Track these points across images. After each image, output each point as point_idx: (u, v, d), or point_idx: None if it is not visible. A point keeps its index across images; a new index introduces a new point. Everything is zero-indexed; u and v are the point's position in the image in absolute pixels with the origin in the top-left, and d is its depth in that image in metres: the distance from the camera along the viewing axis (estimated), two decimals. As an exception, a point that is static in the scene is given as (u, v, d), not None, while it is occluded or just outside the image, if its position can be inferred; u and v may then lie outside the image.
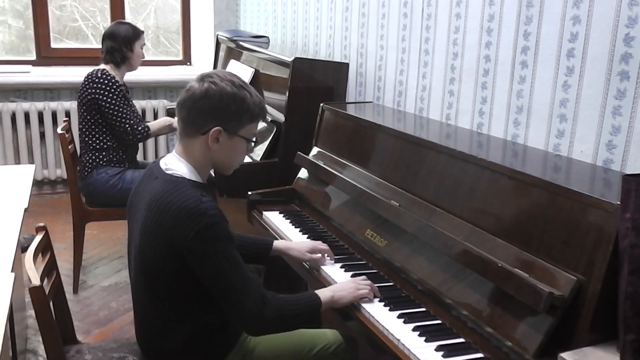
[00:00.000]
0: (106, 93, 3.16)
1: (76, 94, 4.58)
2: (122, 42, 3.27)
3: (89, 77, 3.20)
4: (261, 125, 3.12)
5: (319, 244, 2.01)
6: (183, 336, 1.64)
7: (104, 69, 3.23)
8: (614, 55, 1.75)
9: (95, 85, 3.16)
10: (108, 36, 3.30)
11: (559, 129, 1.96)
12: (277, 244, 2.01)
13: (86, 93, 3.18)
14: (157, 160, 1.70)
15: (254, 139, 1.70)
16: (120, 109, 3.18)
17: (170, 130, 3.56)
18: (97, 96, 3.15)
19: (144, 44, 3.41)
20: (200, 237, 1.50)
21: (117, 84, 3.20)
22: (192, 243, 1.51)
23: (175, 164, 1.64)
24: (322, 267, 1.96)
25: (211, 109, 1.58)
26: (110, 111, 3.17)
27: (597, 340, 1.35)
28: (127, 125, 3.20)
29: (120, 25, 3.34)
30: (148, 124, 3.35)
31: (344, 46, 3.29)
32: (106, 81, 3.17)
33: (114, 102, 3.17)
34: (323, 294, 1.70)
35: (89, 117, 3.20)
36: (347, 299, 1.72)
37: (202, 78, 1.60)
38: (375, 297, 1.75)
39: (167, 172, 1.62)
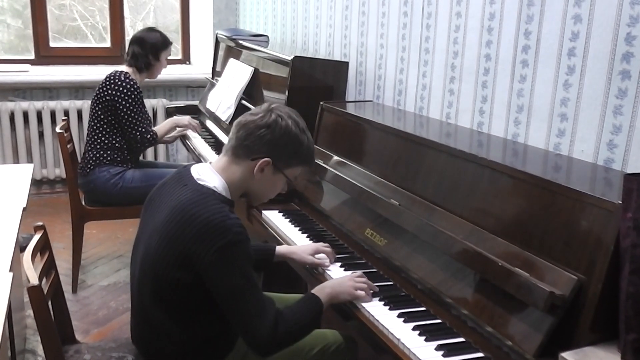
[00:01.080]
0: (126, 97, 3.17)
1: (75, 94, 4.62)
2: (149, 50, 3.30)
3: (112, 77, 3.21)
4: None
5: (322, 246, 1.99)
6: (182, 340, 1.64)
7: (127, 73, 3.24)
8: (615, 54, 1.75)
9: (116, 87, 3.17)
10: (136, 41, 3.32)
11: (560, 128, 1.95)
12: (280, 249, 2.00)
13: (106, 93, 3.18)
14: (188, 167, 1.69)
15: (293, 184, 1.76)
16: (136, 115, 3.20)
17: (178, 135, 3.57)
18: (116, 98, 3.16)
19: (170, 55, 3.44)
20: (222, 254, 1.49)
21: (138, 90, 3.22)
22: (213, 258, 1.49)
23: (208, 175, 1.64)
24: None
25: (270, 141, 1.62)
26: (126, 115, 3.18)
27: (597, 339, 1.34)
28: (138, 133, 3.22)
29: (151, 33, 3.37)
30: (156, 128, 3.37)
31: (343, 45, 3.29)
32: (128, 85, 3.18)
33: (132, 107, 3.18)
34: (322, 292, 1.70)
35: (102, 117, 3.21)
36: (344, 295, 1.72)
37: (271, 110, 1.66)
38: (372, 291, 1.75)
39: (199, 181, 1.61)
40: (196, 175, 1.63)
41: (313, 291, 1.72)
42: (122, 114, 3.18)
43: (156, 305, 1.63)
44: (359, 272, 1.82)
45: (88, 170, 3.20)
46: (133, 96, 3.18)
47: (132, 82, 3.20)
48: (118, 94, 3.16)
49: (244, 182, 1.67)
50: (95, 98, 3.24)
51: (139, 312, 1.72)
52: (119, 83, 3.18)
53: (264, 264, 1.98)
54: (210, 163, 1.70)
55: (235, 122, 1.69)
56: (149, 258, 1.60)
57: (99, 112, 3.22)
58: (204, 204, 1.54)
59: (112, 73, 3.24)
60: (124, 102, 3.17)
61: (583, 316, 1.34)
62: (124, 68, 3.31)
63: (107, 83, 3.21)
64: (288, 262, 2.03)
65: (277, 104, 1.72)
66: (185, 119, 3.65)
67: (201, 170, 1.65)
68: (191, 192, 1.58)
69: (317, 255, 1.97)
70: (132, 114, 3.19)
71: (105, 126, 3.22)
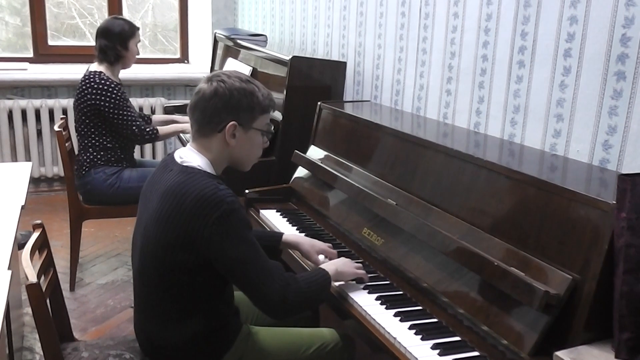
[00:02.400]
0: (107, 99, 3.09)
1: (73, 92, 4.58)
2: (116, 41, 3.17)
3: (87, 81, 3.12)
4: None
5: (328, 249, 1.99)
6: (184, 331, 1.64)
7: (101, 73, 3.14)
8: (611, 55, 1.76)
9: (94, 92, 3.08)
10: (101, 33, 3.19)
11: (556, 128, 1.96)
12: (287, 237, 2.00)
13: (85, 98, 3.11)
14: (171, 153, 1.72)
15: (270, 131, 1.75)
16: (124, 113, 3.13)
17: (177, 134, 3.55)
18: (97, 102, 3.09)
19: (139, 41, 3.31)
20: (220, 224, 1.51)
21: (117, 88, 3.13)
22: (211, 231, 1.51)
23: (190, 156, 1.66)
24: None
25: (224, 106, 1.63)
26: (115, 117, 3.12)
27: (592, 338, 1.35)
28: (135, 127, 3.16)
29: (114, 22, 3.23)
30: (158, 127, 3.31)
31: (341, 45, 3.29)
32: (105, 86, 3.09)
33: (116, 107, 3.11)
34: (328, 267, 1.75)
35: (87, 121, 3.16)
36: (347, 274, 1.80)
37: (210, 79, 1.67)
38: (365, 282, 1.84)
39: (183, 164, 1.64)
40: (179, 159, 1.66)
41: (320, 267, 1.77)
42: (110, 116, 3.11)
43: (161, 293, 1.63)
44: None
45: (84, 172, 3.17)
46: (113, 96, 3.10)
47: (108, 82, 3.10)
48: (98, 97, 3.08)
49: (223, 155, 1.68)
50: (77, 102, 3.16)
51: (141, 304, 1.72)
52: (96, 86, 3.08)
53: (270, 251, 1.98)
54: (189, 144, 1.71)
55: (187, 109, 1.71)
56: (149, 247, 1.61)
57: (83, 117, 3.15)
58: (192, 181, 1.56)
59: (86, 75, 3.14)
60: (107, 105, 3.09)
61: (578, 315, 1.35)
62: (95, 66, 3.20)
63: (85, 87, 3.11)
64: (287, 252, 2.05)
65: (215, 72, 1.72)
66: (189, 127, 3.57)
67: (183, 153, 1.68)
68: (177, 174, 1.60)
69: (320, 257, 1.96)
70: (120, 112, 3.12)
71: (92, 129, 3.16)
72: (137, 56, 3.33)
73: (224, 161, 1.71)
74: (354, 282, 1.84)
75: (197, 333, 1.65)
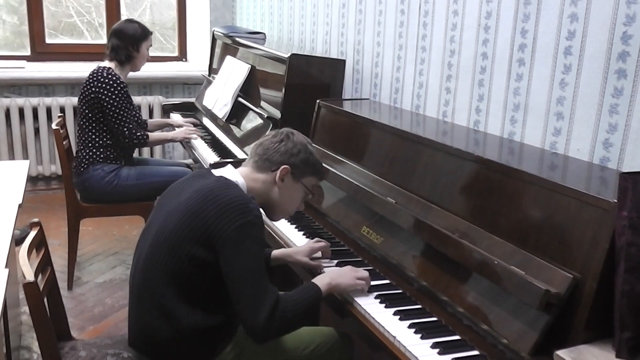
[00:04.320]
0: (110, 93, 3.12)
1: (71, 90, 4.60)
2: (128, 42, 3.24)
3: (94, 74, 3.17)
4: (257, 121, 3.11)
5: (315, 244, 2.00)
6: (183, 324, 1.63)
7: (109, 68, 3.19)
8: (612, 53, 1.75)
9: (99, 84, 3.12)
10: (115, 33, 3.26)
11: (556, 126, 1.96)
12: (275, 253, 2.02)
13: (90, 91, 3.14)
14: (208, 167, 1.83)
15: (312, 193, 1.88)
16: (122, 111, 3.16)
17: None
18: (100, 95, 3.12)
19: (151, 45, 3.37)
20: (241, 231, 1.57)
21: (122, 85, 3.17)
22: (231, 235, 1.57)
23: (231, 174, 1.76)
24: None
25: (286, 151, 1.79)
26: (112, 112, 3.14)
27: (593, 338, 1.35)
28: (126, 129, 3.18)
29: (129, 24, 3.30)
30: (149, 134, 3.33)
31: (340, 43, 3.28)
32: (111, 81, 3.13)
33: (116, 103, 3.14)
34: (321, 281, 1.74)
35: (90, 115, 3.18)
36: (345, 285, 1.75)
37: (282, 131, 1.85)
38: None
39: (221, 176, 1.73)
40: (218, 174, 1.75)
41: (313, 280, 1.75)
42: (107, 111, 3.14)
43: (166, 285, 1.63)
44: (363, 269, 1.83)
45: (82, 169, 3.18)
46: (117, 92, 3.13)
47: (115, 78, 3.15)
48: (102, 90, 3.12)
49: (264, 192, 1.79)
50: (82, 96, 3.20)
51: (143, 299, 1.70)
52: (102, 80, 3.13)
53: None
54: (236, 169, 1.81)
55: (253, 145, 1.86)
56: (164, 235, 1.64)
57: (87, 111, 3.18)
58: (228, 189, 1.65)
59: (95, 70, 3.20)
60: (108, 99, 3.12)
61: (578, 314, 1.35)
62: (106, 63, 3.25)
63: (91, 80, 3.16)
64: (287, 263, 2.04)
65: (285, 128, 1.88)
66: (180, 135, 3.59)
67: (223, 170, 1.78)
68: (215, 182, 1.69)
69: (314, 256, 1.97)
70: (118, 110, 3.14)
71: (94, 124, 3.18)
72: (147, 60, 3.38)
73: (260, 198, 1.78)
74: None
75: (196, 328, 1.64)
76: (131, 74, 3.42)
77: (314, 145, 1.88)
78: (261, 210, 1.70)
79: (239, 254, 1.57)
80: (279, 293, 1.63)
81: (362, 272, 1.78)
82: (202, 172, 1.80)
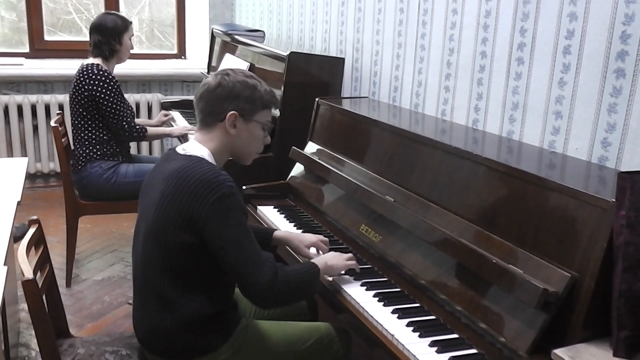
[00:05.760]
0: (104, 89, 3.11)
1: (69, 87, 4.58)
2: (110, 35, 3.19)
3: (84, 72, 3.13)
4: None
5: (322, 243, 1.99)
6: (183, 314, 1.64)
7: (98, 64, 3.16)
8: (610, 52, 1.75)
9: (91, 82, 3.10)
10: (95, 29, 3.21)
11: (555, 125, 1.96)
12: (277, 234, 2.03)
13: (83, 89, 3.12)
14: (173, 148, 1.78)
15: (269, 126, 1.82)
16: (118, 106, 3.15)
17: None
18: (94, 92, 3.10)
19: (133, 35, 3.32)
20: (217, 206, 1.57)
21: (114, 80, 3.16)
22: (209, 211, 1.57)
23: (194, 148, 1.73)
24: None
25: (227, 96, 1.73)
26: (108, 107, 3.13)
27: (590, 336, 1.35)
28: (125, 122, 3.17)
29: (107, 17, 3.25)
30: (147, 127, 3.33)
31: (339, 41, 3.28)
32: (103, 77, 3.11)
33: (111, 98, 3.13)
34: (318, 262, 1.78)
35: (84, 113, 3.16)
36: (338, 267, 1.82)
37: (216, 74, 1.77)
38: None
39: (186, 154, 1.71)
40: (182, 151, 1.73)
41: (310, 261, 1.79)
42: (104, 107, 3.12)
43: (163, 277, 1.64)
44: (350, 255, 1.88)
45: (80, 167, 3.17)
46: (110, 87, 3.12)
47: (106, 73, 3.13)
48: (96, 87, 3.09)
49: (225, 145, 1.76)
50: (73, 95, 3.17)
51: (144, 294, 1.71)
52: (93, 77, 3.10)
53: (261, 247, 1.98)
54: (193, 137, 1.79)
55: (194, 100, 1.79)
56: (152, 231, 1.65)
57: (81, 109, 3.16)
58: (195, 166, 1.63)
59: (83, 67, 3.16)
60: (103, 95, 3.11)
61: (576, 313, 1.35)
62: (91, 60, 3.21)
63: (82, 78, 3.13)
64: (283, 248, 2.05)
65: (222, 69, 1.82)
66: (178, 130, 3.59)
67: (186, 146, 1.75)
68: (181, 161, 1.67)
69: (312, 250, 1.98)
70: (114, 105, 3.13)
71: (89, 122, 3.17)
72: (131, 50, 3.34)
73: (225, 152, 1.78)
74: (346, 275, 1.84)
75: (195, 318, 1.65)
76: (129, 71, 3.42)
77: (255, 77, 1.78)
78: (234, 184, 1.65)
79: (222, 228, 1.58)
80: (272, 256, 1.66)
81: (349, 255, 1.86)
82: (169, 153, 1.77)
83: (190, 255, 1.62)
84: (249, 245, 1.61)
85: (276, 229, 2.07)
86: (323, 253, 1.98)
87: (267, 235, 2.02)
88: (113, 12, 3.39)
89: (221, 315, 1.71)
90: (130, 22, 3.31)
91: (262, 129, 1.79)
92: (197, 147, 1.73)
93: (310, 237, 2.00)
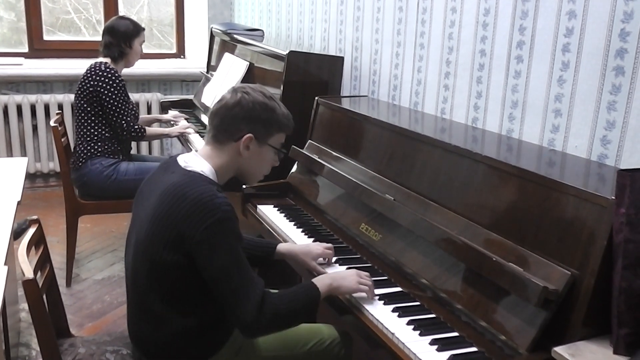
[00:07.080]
0: (108, 87, 3.16)
1: (69, 87, 4.59)
2: (120, 38, 3.27)
3: (92, 68, 3.20)
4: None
5: (325, 252, 1.94)
6: (177, 328, 1.63)
7: (106, 62, 3.23)
8: (610, 50, 1.75)
9: (98, 78, 3.16)
10: (107, 30, 3.29)
11: (554, 123, 1.96)
12: (281, 247, 1.97)
13: (88, 85, 3.17)
14: (175, 156, 1.72)
15: (282, 151, 1.78)
16: (120, 104, 3.20)
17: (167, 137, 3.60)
18: (99, 88, 3.16)
19: (144, 41, 3.40)
20: (211, 231, 1.51)
21: (119, 78, 3.21)
22: (202, 236, 1.51)
23: (195, 162, 1.67)
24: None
25: (244, 117, 1.66)
26: (110, 105, 3.18)
27: (590, 334, 1.35)
28: (124, 122, 3.21)
29: (121, 21, 3.33)
30: (146, 128, 3.37)
31: (338, 40, 3.28)
32: (109, 74, 3.17)
33: (115, 96, 3.18)
34: (321, 281, 1.69)
35: (89, 109, 3.20)
36: (346, 288, 1.70)
37: (235, 90, 1.70)
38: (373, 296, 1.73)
39: (186, 168, 1.64)
40: (183, 163, 1.66)
41: (313, 280, 1.71)
42: (107, 104, 3.17)
43: (152, 292, 1.62)
44: (367, 273, 1.77)
45: (80, 164, 3.19)
46: (115, 85, 3.17)
47: (113, 71, 3.19)
48: (101, 83, 3.15)
49: (233, 164, 1.70)
50: (79, 91, 3.23)
51: (135, 304, 1.71)
52: (100, 73, 3.17)
53: (263, 261, 1.96)
54: (196, 151, 1.73)
55: (208, 114, 1.74)
56: (142, 245, 1.61)
57: (85, 105, 3.21)
58: (192, 185, 1.57)
59: (92, 65, 3.23)
60: (107, 92, 3.16)
61: (576, 311, 1.35)
62: (100, 59, 3.28)
63: (89, 75, 3.19)
64: (288, 262, 2.00)
65: (241, 84, 1.76)
66: (176, 131, 3.59)
67: (187, 158, 1.69)
68: (179, 176, 1.61)
69: (320, 261, 1.93)
70: (117, 103, 3.18)
71: (92, 118, 3.21)
72: (140, 56, 3.41)
73: (230, 171, 1.72)
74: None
75: (190, 329, 1.64)
76: (129, 71, 3.44)
77: (274, 98, 1.72)
78: (232, 206, 1.59)
79: (214, 254, 1.52)
80: (265, 289, 1.59)
81: (366, 279, 1.72)
82: (169, 162, 1.71)
83: (180, 274, 1.58)
84: (238, 273, 1.54)
85: (280, 242, 2.02)
86: (329, 260, 1.95)
87: (269, 249, 1.96)
88: (127, 17, 3.44)
89: (215, 324, 1.69)
90: (143, 29, 3.39)
91: (274, 152, 1.74)
92: (199, 162, 1.67)
93: (317, 249, 1.93)
